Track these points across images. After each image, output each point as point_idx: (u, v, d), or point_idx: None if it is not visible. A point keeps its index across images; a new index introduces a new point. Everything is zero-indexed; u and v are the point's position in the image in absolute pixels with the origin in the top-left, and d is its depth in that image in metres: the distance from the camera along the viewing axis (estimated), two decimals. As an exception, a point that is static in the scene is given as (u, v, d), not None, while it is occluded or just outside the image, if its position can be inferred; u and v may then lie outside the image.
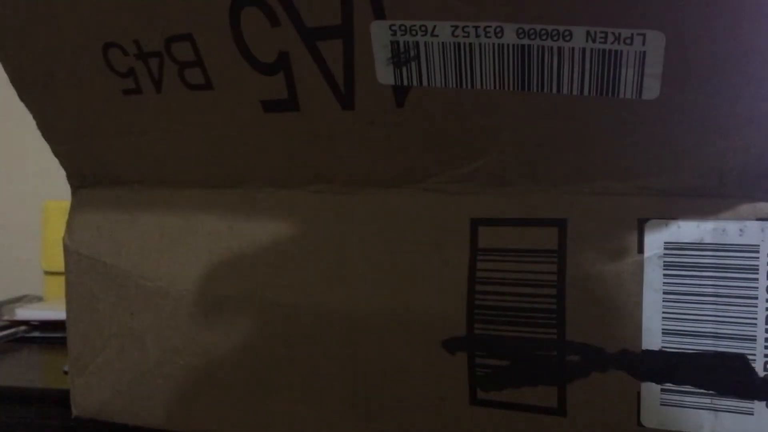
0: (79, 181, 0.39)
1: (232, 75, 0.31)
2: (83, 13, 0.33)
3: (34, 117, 0.38)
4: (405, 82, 0.29)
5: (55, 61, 0.35)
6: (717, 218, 0.26)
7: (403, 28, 0.27)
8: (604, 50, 0.25)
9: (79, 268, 0.39)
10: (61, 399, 0.42)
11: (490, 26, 0.26)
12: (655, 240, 0.27)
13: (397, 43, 0.28)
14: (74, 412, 0.41)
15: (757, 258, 0.26)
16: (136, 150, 0.36)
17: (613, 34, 0.25)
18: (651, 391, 0.27)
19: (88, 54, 0.34)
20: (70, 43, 0.34)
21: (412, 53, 0.28)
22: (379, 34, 0.28)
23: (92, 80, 0.35)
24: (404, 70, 0.28)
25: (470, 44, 0.27)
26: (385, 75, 0.29)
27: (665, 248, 0.27)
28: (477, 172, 0.30)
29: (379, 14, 0.28)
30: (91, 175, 0.39)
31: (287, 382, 0.34)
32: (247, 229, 0.35)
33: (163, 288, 0.36)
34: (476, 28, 0.26)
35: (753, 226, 0.26)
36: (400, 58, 0.28)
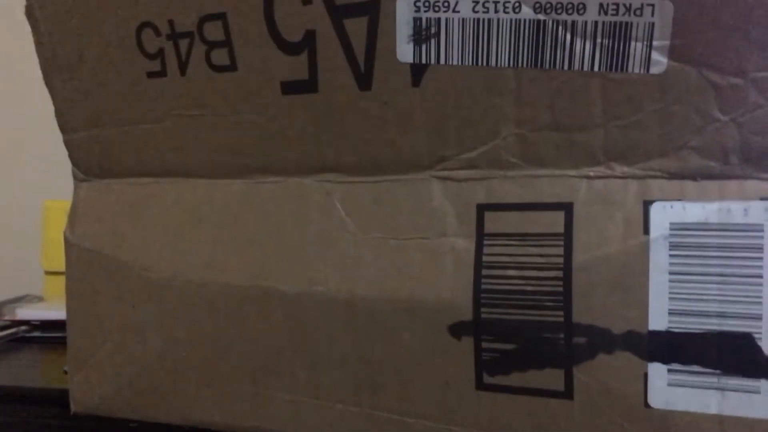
0: (84, 172, 0.39)
1: (257, 55, 0.32)
2: None
3: (55, 102, 0.39)
4: (424, 60, 0.29)
5: (87, 42, 0.36)
6: (721, 199, 0.27)
7: (426, 4, 0.28)
8: (615, 23, 0.26)
9: (81, 262, 0.39)
10: (61, 398, 0.42)
11: (509, 1, 0.27)
12: (660, 221, 0.27)
13: (420, 19, 0.29)
14: (73, 408, 0.40)
15: (762, 237, 0.26)
16: (149, 139, 0.37)
17: (625, 5, 0.26)
18: (658, 371, 0.27)
19: (122, 33, 0.35)
20: (108, 23, 0.35)
21: (433, 30, 0.28)
22: (404, 10, 0.29)
23: (120, 62, 0.36)
24: (424, 47, 0.29)
25: (489, 20, 0.28)
26: (405, 52, 0.29)
27: (671, 229, 0.27)
28: (485, 156, 0.30)
29: None
30: (97, 166, 0.39)
31: (291, 372, 0.34)
32: (251, 220, 0.35)
33: (165, 279, 0.36)
34: (496, 3, 0.27)
35: (757, 205, 0.26)
36: (421, 34, 0.29)
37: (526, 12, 0.27)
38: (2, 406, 0.50)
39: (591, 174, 0.29)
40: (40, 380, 0.54)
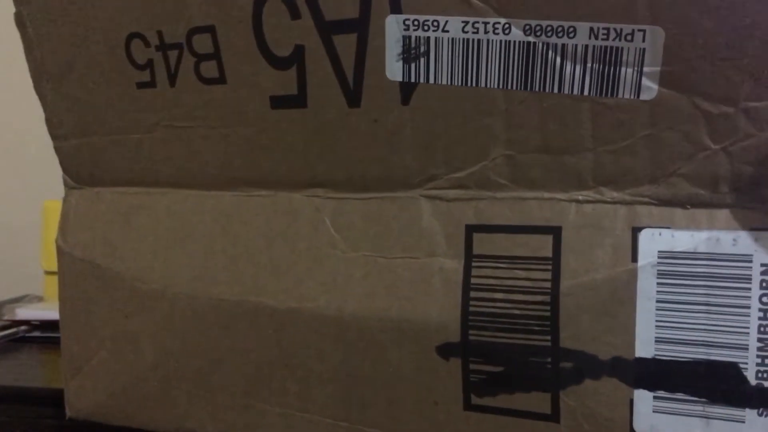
0: (74, 180, 0.39)
1: (246, 69, 0.32)
2: (116, 3, 0.34)
3: (45, 110, 0.39)
4: (413, 78, 0.29)
5: (77, 52, 0.36)
6: (711, 227, 0.26)
7: (416, 23, 0.28)
8: (605, 47, 0.26)
9: (73, 270, 0.39)
10: (60, 399, 0.42)
11: (499, 22, 0.27)
12: (649, 249, 0.27)
13: (409, 38, 0.28)
14: (68, 413, 0.41)
15: (750, 268, 0.26)
16: (138, 149, 0.37)
17: (615, 30, 0.25)
18: (644, 398, 0.27)
19: (112, 44, 0.35)
20: (97, 32, 0.35)
21: (422, 48, 0.28)
22: (394, 29, 0.28)
23: (110, 72, 0.36)
24: (413, 65, 0.29)
25: (478, 41, 0.27)
26: (394, 70, 0.29)
27: (659, 257, 0.27)
28: (474, 177, 0.30)
29: (396, 8, 0.28)
30: (88, 175, 0.39)
31: (281, 386, 0.34)
32: (242, 233, 0.35)
33: (157, 290, 0.36)
34: (485, 24, 0.27)
35: (746, 236, 0.26)
36: (410, 53, 0.28)
37: (516, 34, 0.27)
38: (2, 406, 0.50)
39: (580, 198, 0.28)
40: (40, 380, 0.55)
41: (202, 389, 0.36)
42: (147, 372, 0.37)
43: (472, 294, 0.30)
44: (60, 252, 0.40)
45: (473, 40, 0.28)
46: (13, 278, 0.76)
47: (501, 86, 0.28)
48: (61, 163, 0.39)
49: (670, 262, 0.27)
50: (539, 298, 0.28)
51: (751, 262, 0.26)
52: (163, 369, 0.37)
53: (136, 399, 0.38)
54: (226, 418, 0.36)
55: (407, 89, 0.30)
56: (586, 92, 0.27)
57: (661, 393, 0.27)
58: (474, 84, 0.28)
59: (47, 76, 0.37)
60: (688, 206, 0.27)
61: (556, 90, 0.27)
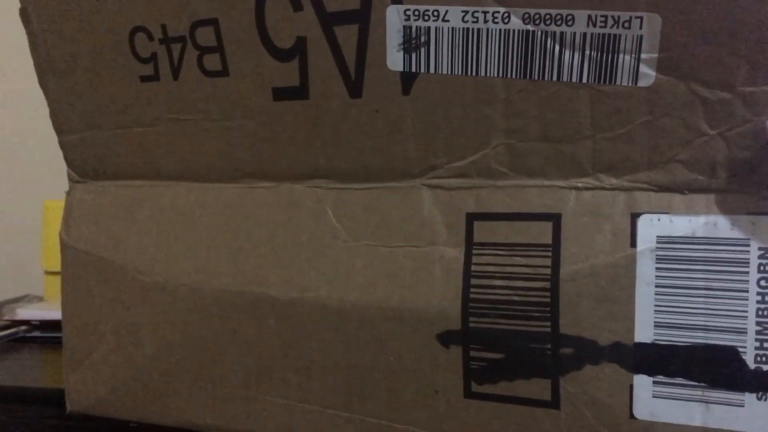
0: (79, 174, 0.40)
1: (248, 61, 0.33)
2: None
3: (49, 104, 0.39)
4: (413, 69, 0.29)
5: (82, 46, 0.36)
6: (708, 212, 0.27)
7: (417, 13, 0.28)
8: (603, 35, 0.26)
9: (76, 263, 0.39)
10: (61, 398, 0.42)
11: (498, 11, 0.27)
12: (647, 234, 0.27)
13: (410, 28, 0.29)
14: (69, 407, 0.41)
15: (748, 251, 0.26)
16: (142, 142, 0.37)
17: (613, 17, 0.26)
18: (643, 383, 0.27)
19: (115, 37, 0.35)
20: (101, 26, 0.36)
21: (422, 38, 0.29)
22: (394, 19, 0.29)
23: (114, 66, 0.36)
24: (413, 56, 0.29)
25: (478, 30, 0.28)
26: (395, 61, 0.29)
27: (657, 242, 0.27)
28: (475, 165, 0.30)
29: None
30: (92, 169, 0.39)
31: (283, 377, 0.34)
32: (244, 225, 0.35)
33: (159, 283, 0.37)
34: (485, 13, 0.27)
35: (744, 220, 0.26)
36: (411, 43, 0.29)
37: (515, 23, 0.27)
38: (2, 406, 0.50)
39: (579, 185, 0.29)
40: (40, 380, 0.55)
41: (203, 381, 0.36)
42: (148, 364, 0.37)
43: (473, 281, 0.30)
44: (63, 245, 0.40)
45: (473, 29, 0.28)
46: (13, 278, 0.76)
47: (500, 75, 0.28)
48: (65, 157, 0.40)
49: (669, 247, 0.27)
50: (539, 284, 0.29)
51: (748, 246, 0.26)
52: (164, 361, 0.37)
53: (137, 392, 0.38)
54: (227, 410, 0.36)
55: (408, 79, 0.30)
56: (584, 80, 0.27)
57: (660, 378, 0.27)
58: (474, 73, 0.29)
59: (52, 70, 0.38)
60: (686, 192, 0.27)
61: (554, 78, 0.28)
